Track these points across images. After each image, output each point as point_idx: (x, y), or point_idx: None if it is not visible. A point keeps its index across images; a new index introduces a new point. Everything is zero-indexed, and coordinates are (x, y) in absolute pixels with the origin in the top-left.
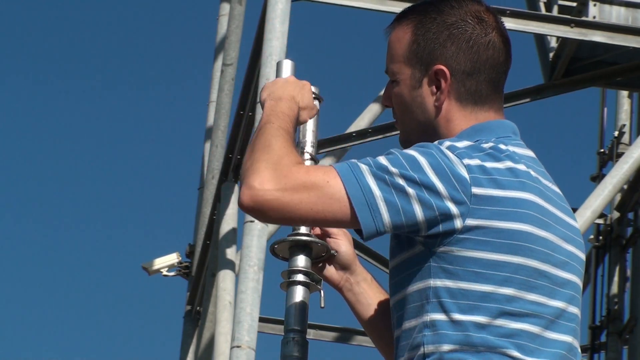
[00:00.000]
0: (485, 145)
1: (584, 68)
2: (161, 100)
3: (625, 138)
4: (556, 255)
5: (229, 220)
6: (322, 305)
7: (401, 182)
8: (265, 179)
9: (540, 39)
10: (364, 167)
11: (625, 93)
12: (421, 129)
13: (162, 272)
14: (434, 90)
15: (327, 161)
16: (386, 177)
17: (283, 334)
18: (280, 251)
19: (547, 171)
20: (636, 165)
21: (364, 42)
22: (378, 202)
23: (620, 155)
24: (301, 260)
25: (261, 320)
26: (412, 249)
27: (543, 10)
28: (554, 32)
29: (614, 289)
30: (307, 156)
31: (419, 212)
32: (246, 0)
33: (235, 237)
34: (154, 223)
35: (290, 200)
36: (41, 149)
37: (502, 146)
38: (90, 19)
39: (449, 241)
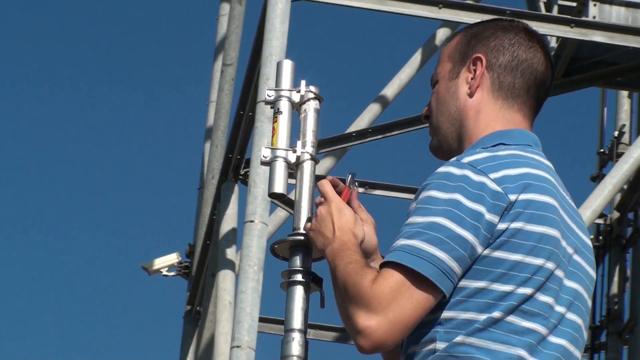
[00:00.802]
0: (502, 154)
1: (584, 68)
2: (161, 100)
3: (625, 138)
4: (565, 261)
5: (229, 220)
6: (323, 306)
7: (453, 228)
8: (363, 317)
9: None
10: (416, 242)
11: (625, 93)
12: (450, 121)
13: (162, 272)
14: (469, 78)
15: (327, 161)
16: (440, 236)
17: (283, 334)
18: (280, 251)
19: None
20: (636, 165)
21: (364, 42)
22: (450, 265)
23: (620, 155)
24: (301, 260)
25: (261, 320)
26: None
27: (543, 10)
28: (554, 32)
29: (614, 289)
30: (307, 156)
31: (477, 245)
32: (246, 0)
33: (235, 237)
34: (154, 223)
35: (394, 318)
36: (41, 149)
37: (520, 152)
38: (90, 19)
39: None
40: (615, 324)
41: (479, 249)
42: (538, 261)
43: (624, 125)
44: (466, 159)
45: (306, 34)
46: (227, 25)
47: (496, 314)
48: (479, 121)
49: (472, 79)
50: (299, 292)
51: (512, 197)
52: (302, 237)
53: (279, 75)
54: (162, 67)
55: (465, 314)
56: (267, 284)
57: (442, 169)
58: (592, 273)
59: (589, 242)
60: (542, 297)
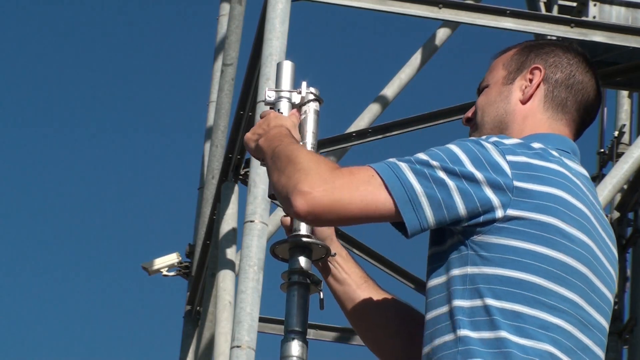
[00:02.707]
0: (535, 145)
1: None
2: (161, 100)
3: (625, 138)
4: (597, 265)
5: (229, 220)
6: (322, 308)
7: (441, 175)
8: (314, 183)
9: (540, 39)
10: (402, 165)
11: (625, 93)
12: (495, 122)
13: (162, 272)
14: (524, 86)
15: None
16: (426, 171)
17: (283, 334)
18: (280, 252)
19: None
20: (636, 165)
21: (364, 42)
22: (420, 199)
23: (620, 155)
24: (301, 262)
25: (261, 320)
26: (451, 238)
27: (543, 10)
28: (554, 32)
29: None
30: None
31: (460, 204)
32: (246, 0)
33: (235, 237)
34: (154, 223)
35: (341, 197)
36: (41, 149)
37: (555, 153)
38: (89, 19)
39: (488, 229)
40: (615, 324)
41: (462, 212)
42: (557, 254)
43: (624, 125)
44: (494, 139)
45: (306, 34)
46: (227, 25)
47: (517, 306)
48: (525, 126)
49: (527, 87)
50: (298, 293)
51: (518, 183)
52: (302, 239)
53: (279, 76)
54: (162, 67)
55: (484, 300)
56: (267, 284)
57: (473, 139)
58: (615, 283)
59: (616, 254)
60: (566, 293)
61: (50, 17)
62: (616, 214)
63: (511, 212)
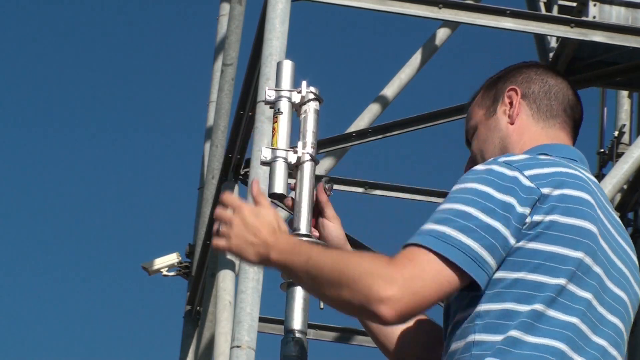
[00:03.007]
0: (542, 157)
1: (584, 68)
2: (161, 100)
3: (625, 138)
4: (605, 261)
5: None
6: (322, 307)
7: (484, 219)
8: (387, 286)
9: (540, 39)
10: (447, 229)
11: (625, 93)
12: (496, 152)
13: (162, 272)
14: (507, 110)
15: (327, 161)
16: (470, 224)
17: (283, 334)
18: None
19: None
20: (636, 165)
21: (364, 42)
22: (481, 253)
23: (620, 155)
24: None
25: (261, 320)
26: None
27: (543, 10)
28: (554, 32)
29: None
30: (307, 157)
31: (509, 236)
32: (246, 0)
33: None
34: (154, 223)
35: (417, 289)
36: (41, 148)
37: (561, 168)
38: (89, 19)
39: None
40: None
41: (512, 240)
42: (576, 254)
43: (624, 125)
44: (504, 159)
45: (306, 34)
46: (227, 25)
47: (537, 306)
48: (524, 141)
49: (510, 109)
50: (298, 292)
51: (545, 190)
52: (302, 238)
53: (279, 75)
54: (162, 67)
55: (503, 305)
56: (267, 284)
57: (479, 166)
58: (638, 291)
59: (636, 260)
60: (580, 292)
61: (50, 17)
62: (616, 214)
63: (536, 217)
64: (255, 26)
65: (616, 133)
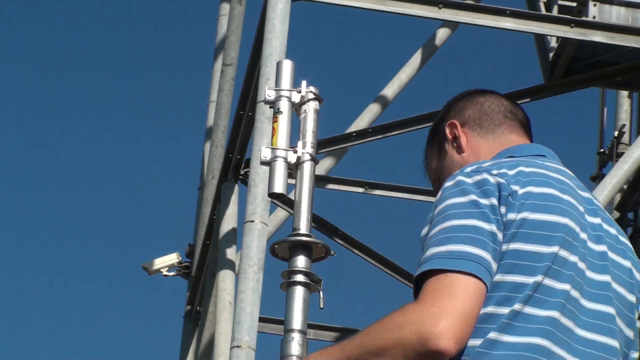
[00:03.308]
0: (505, 161)
1: (584, 68)
2: (161, 100)
3: (625, 138)
4: (585, 252)
5: (229, 220)
6: (322, 306)
7: (482, 225)
8: (429, 324)
9: (540, 39)
10: (450, 247)
11: (625, 93)
12: None
13: (162, 272)
14: (454, 144)
15: (327, 161)
16: (471, 235)
17: (283, 334)
18: (280, 251)
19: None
20: (636, 165)
21: (364, 42)
22: (489, 260)
23: (620, 155)
24: (301, 261)
25: (261, 320)
26: None
27: (543, 10)
28: (554, 32)
29: None
30: (307, 157)
31: (501, 237)
32: (246, 0)
33: (235, 237)
34: (154, 223)
35: (461, 313)
36: (41, 148)
37: (526, 169)
38: (89, 19)
39: None
40: None
41: (495, 230)
42: (549, 249)
43: (624, 125)
44: (468, 168)
45: (306, 34)
46: (227, 25)
47: (516, 306)
48: (483, 156)
49: (456, 141)
50: (298, 292)
51: (514, 187)
52: (302, 238)
53: (279, 75)
54: (162, 67)
55: (484, 309)
56: (267, 284)
57: (447, 183)
58: (637, 274)
59: (628, 243)
60: (557, 285)
61: (51, 17)
62: (616, 214)
63: (511, 215)
64: (255, 26)
65: (616, 133)
